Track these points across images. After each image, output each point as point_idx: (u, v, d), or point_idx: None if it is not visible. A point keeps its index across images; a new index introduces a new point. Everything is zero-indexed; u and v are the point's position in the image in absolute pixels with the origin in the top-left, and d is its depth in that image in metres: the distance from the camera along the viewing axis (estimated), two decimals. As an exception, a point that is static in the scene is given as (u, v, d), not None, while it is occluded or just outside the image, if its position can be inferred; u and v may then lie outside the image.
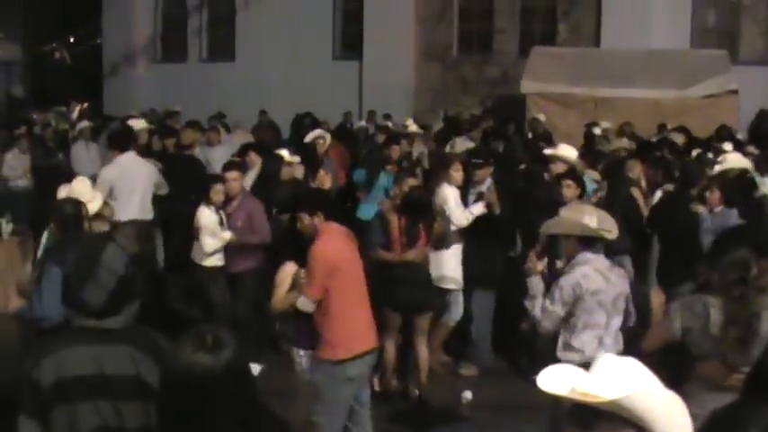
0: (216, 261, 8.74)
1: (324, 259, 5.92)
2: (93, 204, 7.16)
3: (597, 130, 14.16)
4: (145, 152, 11.78)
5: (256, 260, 8.84)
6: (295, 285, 6.12)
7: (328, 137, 12.78)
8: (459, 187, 8.60)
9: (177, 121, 17.70)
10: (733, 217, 7.88)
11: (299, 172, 10.46)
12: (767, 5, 21.51)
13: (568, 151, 9.38)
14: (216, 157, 12.72)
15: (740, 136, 14.83)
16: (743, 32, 21.55)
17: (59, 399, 3.29)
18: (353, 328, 6.07)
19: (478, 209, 8.41)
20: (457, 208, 8.38)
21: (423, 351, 7.84)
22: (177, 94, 22.93)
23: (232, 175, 8.88)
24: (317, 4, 24.01)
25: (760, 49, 21.47)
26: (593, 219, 5.60)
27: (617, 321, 5.65)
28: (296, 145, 16.31)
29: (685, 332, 4.74)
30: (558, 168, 8.96)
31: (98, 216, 7.25)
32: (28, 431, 3.29)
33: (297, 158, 10.59)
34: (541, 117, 16.83)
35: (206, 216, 8.60)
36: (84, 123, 15.87)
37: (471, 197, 8.69)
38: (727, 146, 11.68)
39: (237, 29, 25.13)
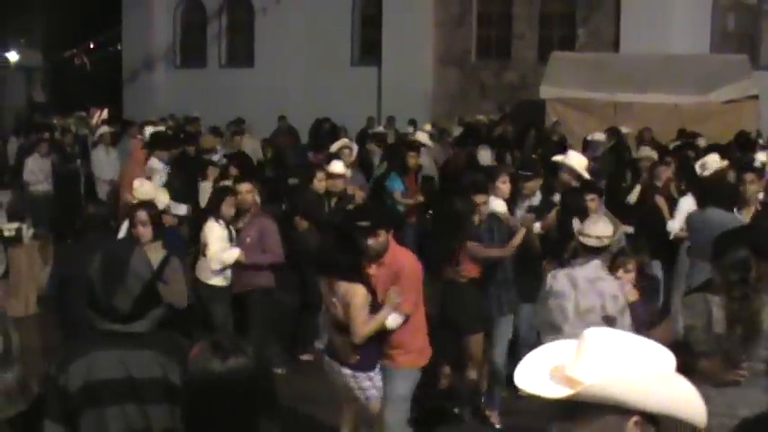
0: (222, 280, 7.96)
1: (418, 272, 5.96)
2: (161, 200, 7.62)
3: (598, 136, 14.02)
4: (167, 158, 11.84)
5: (266, 279, 8.19)
6: (380, 304, 5.78)
7: (355, 147, 11.99)
8: (505, 200, 8.04)
9: (197, 127, 17.85)
10: (713, 217, 7.78)
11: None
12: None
13: (577, 159, 9.28)
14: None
15: (761, 141, 14.75)
16: (763, 37, 21.44)
17: (87, 403, 3.29)
18: (426, 335, 6.17)
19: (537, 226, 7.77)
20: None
21: (472, 371, 7.41)
22: (196, 99, 23.08)
23: (245, 187, 8.19)
24: (335, 10, 24.06)
25: (780, 55, 21.38)
26: (594, 226, 5.78)
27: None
28: (315, 151, 16.44)
29: (688, 330, 4.78)
30: (564, 177, 8.78)
31: (165, 212, 7.66)
32: (54, 436, 3.31)
33: (349, 172, 9.81)
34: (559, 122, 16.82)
35: (215, 231, 7.84)
36: (104, 128, 15.98)
37: (519, 211, 8.15)
38: (762, 155, 11.48)
39: (256, 35, 25.23)
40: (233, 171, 9.60)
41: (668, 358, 2.21)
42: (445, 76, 23.54)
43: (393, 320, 5.78)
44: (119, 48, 27.85)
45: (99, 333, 3.39)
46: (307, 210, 8.91)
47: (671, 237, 9.04)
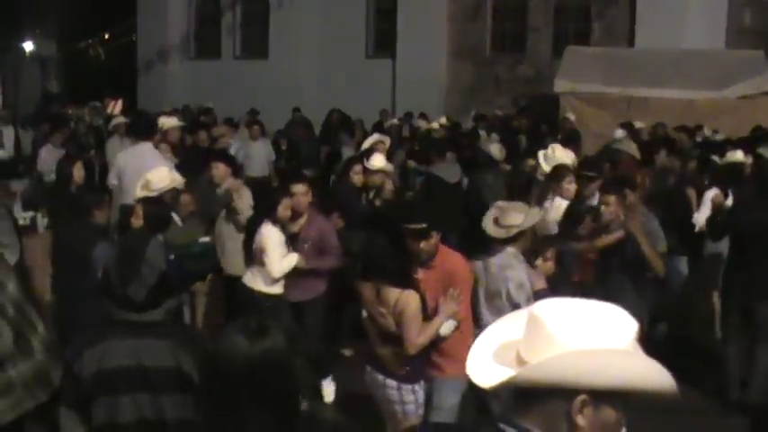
0: (280, 288, 7.27)
1: (470, 275, 5.70)
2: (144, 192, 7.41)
3: (619, 133, 13.96)
4: (179, 149, 11.88)
5: (323, 284, 7.67)
6: (430, 311, 5.38)
7: (388, 141, 11.22)
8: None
9: (211, 118, 17.91)
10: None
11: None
12: (804, 6, 21.28)
13: (563, 154, 9.25)
14: (252, 153, 13.63)
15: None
16: (779, 33, 21.32)
17: (100, 390, 3.34)
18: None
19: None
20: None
21: None
22: (210, 90, 23.13)
23: (300, 188, 7.49)
24: (350, 3, 24.04)
25: (796, 50, 21.24)
26: (505, 216, 5.88)
27: (491, 320, 5.54)
28: (326, 141, 16.46)
29: None
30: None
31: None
32: (68, 423, 3.34)
33: (390, 167, 9.38)
34: (571, 116, 16.71)
35: (274, 236, 7.14)
36: (119, 119, 16.00)
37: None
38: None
39: (271, 27, 25.20)
40: (222, 170, 8.73)
41: (628, 325, 2.00)
42: (459, 70, 23.49)
43: (446, 327, 5.44)
44: (133, 38, 27.88)
45: (114, 321, 3.43)
46: (344, 205, 8.59)
47: (696, 229, 8.98)
